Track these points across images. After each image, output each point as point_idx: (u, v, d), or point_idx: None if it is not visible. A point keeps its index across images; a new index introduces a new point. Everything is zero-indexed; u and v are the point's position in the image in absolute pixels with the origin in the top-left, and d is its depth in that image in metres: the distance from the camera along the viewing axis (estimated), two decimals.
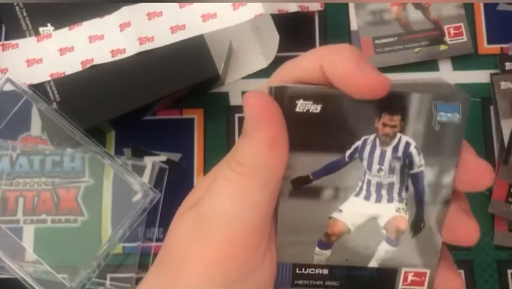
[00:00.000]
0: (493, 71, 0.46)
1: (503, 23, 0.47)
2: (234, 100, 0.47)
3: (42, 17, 0.42)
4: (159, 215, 0.44)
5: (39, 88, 0.41)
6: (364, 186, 0.25)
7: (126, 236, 0.39)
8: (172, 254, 0.25)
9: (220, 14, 0.41)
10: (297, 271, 0.26)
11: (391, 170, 0.25)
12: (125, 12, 0.41)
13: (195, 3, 0.41)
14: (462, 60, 0.47)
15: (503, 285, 0.43)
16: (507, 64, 0.46)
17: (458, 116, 0.24)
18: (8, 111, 0.41)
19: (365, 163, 0.25)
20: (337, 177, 0.25)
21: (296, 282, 0.26)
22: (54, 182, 0.43)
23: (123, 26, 0.41)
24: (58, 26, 0.42)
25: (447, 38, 0.47)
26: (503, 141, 0.44)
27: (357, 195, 0.25)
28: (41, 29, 0.42)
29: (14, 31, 0.42)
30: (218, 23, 0.41)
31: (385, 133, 0.24)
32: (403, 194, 0.25)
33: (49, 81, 0.41)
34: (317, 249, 0.26)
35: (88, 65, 0.41)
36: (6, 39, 0.45)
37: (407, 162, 0.25)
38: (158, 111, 0.47)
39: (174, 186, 0.45)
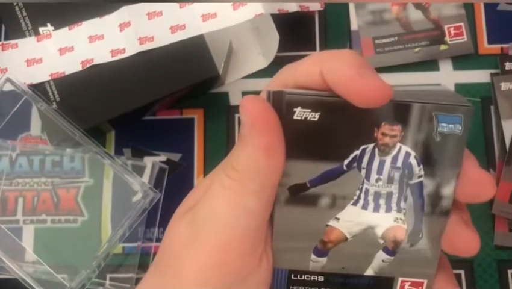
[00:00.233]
0: (493, 71, 0.46)
1: (503, 23, 0.47)
2: (234, 100, 0.47)
3: (42, 17, 0.42)
4: (159, 215, 0.44)
5: (39, 88, 0.41)
6: (362, 196, 0.25)
7: (126, 237, 0.39)
8: (168, 257, 0.25)
9: (220, 14, 0.41)
10: (292, 277, 0.26)
11: (390, 180, 0.25)
12: (125, 12, 0.41)
13: (195, 3, 0.41)
14: (463, 60, 0.47)
15: (504, 285, 0.43)
16: (507, 64, 0.46)
17: (460, 128, 0.24)
18: (7, 111, 0.41)
19: (363, 172, 0.24)
20: (335, 185, 0.25)
21: (291, 287, 0.26)
22: (54, 182, 0.43)
23: (123, 26, 0.41)
24: (57, 26, 0.42)
25: (447, 38, 0.47)
26: (505, 141, 0.44)
27: (354, 204, 0.25)
28: (41, 29, 0.42)
29: (14, 31, 0.42)
30: (218, 23, 0.41)
31: (384, 143, 0.24)
32: (402, 204, 0.25)
33: (48, 81, 0.41)
34: (313, 256, 0.26)
35: (88, 65, 0.41)
36: (6, 39, 0.45)
37: (406, 172, 0.24)
38: (158, 111, 0.47)
39: (174, 187, 0.45)
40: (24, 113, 0.45)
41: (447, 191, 0.24)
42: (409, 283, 0.26)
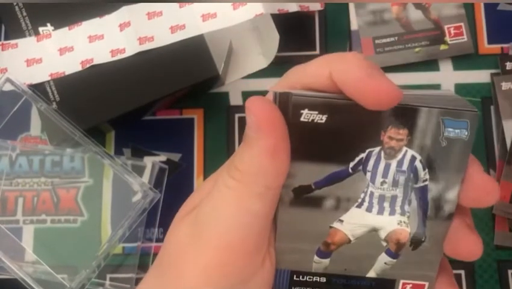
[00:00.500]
0: (493, 71, 0.46)
1: (503, 23, 0.47)
2: (234, 100, 0.47)
3: (42, 17, 0.42)
4: (159, 216, 0.44)
5: (39, 88, 0.41)
6: (367, 198, 0.25)
7: (126, 237, 0.39)
8: (170, 257, 0.25)
9: (220, 13, 0.41)
10: (294, 278, 0.26)
11: (395, 183, 0.25)
12: (125, 12, 0.41)
13: (195, 3, 0.41)
14: (463, 60, 0.47)
15: (504, 285, 0.43)
16: (507, 64, 0.46)
17: (466, 133, 0.24)
18: (7, 111, 0.41)
19: (368, 175, 0.24)
20: (339, 187, 0.25)
21: (293, 288, 0.26)
22: (54, 182, 0.43)
23: (122, 26, 0.41)
24: (57, 26, 0.42)
25: (447, 38, 0.47)
26: (505, 141, 0.44)
27: (359, 206, 0.25)
28: (40, 29, 0.42)
29: (14, 31, 0.42)
30: (218, 23, 0.41)
31: (390, 147, 0.24)
32: (406, 207, 0.25)
33: (48, 81, 0.41)
34: (315, 257, 0.26)
35: (87, 65, 0.41)
36: (5, 39, 0.45)
37: (412, 176, 0.24)
38: (158, 111, 0.47)
39: (174, 187, 0.45)
40: (24, 113, 0.45)
41: (451, 195, 0.24)
42: (410, 285, 0.26)
